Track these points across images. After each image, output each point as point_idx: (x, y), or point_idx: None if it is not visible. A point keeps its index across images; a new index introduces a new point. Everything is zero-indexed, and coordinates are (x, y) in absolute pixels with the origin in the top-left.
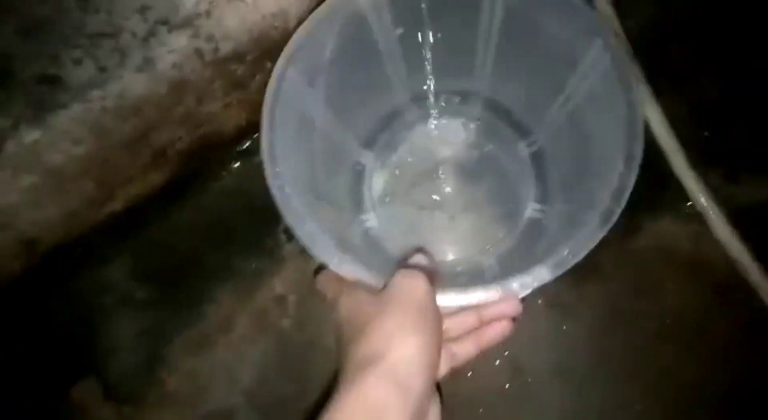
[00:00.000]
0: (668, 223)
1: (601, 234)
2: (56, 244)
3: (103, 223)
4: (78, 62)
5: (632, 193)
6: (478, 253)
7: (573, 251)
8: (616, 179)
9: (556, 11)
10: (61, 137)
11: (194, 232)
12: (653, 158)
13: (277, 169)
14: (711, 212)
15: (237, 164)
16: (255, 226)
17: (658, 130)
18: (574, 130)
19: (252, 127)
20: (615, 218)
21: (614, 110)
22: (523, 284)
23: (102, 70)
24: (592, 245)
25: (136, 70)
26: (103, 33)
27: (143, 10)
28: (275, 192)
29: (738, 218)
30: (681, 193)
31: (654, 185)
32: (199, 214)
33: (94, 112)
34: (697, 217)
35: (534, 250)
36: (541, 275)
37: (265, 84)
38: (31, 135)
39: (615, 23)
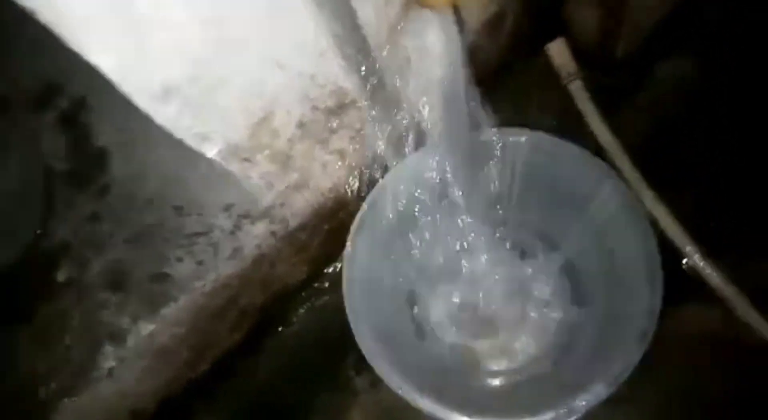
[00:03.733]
0: (694, 309)
1: (642, 351)
2: (156, 410)
3: (195, 382)
4: (180, 259)
5: None
6: (530, 361)
7: (623, 368)
8: (645, 301)
9: (569, 162)
10: (171, 324)
11: (275, 376)
12: (669, 252)
13: (364, 326)
14: (731, 295)
15: (302, 310)
16: (327, 364)
17: (668, 227)
18: (599, 244)
19: (311, 279)
20: (651, 336)
21: (632, 233)
22: (587, 401)
23: (199, 263)
24: (636, 361)
25: (227, 259)
26: (198, 232)
27: (228, 207)
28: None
29: (758, 298)
30: (701, 281)
31: (676, 276)
32: (277, 359)
33: (195, 298)
34: (720, 302)
35: (578, 354)
36: (600, 393)
37: (322, 244)
38: (147, 328)
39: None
